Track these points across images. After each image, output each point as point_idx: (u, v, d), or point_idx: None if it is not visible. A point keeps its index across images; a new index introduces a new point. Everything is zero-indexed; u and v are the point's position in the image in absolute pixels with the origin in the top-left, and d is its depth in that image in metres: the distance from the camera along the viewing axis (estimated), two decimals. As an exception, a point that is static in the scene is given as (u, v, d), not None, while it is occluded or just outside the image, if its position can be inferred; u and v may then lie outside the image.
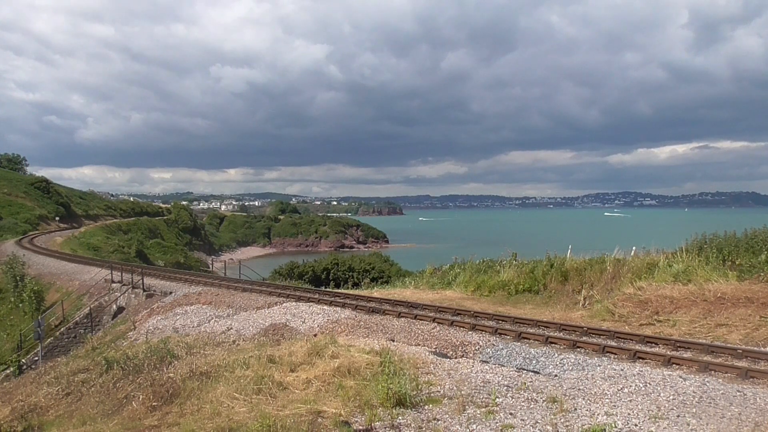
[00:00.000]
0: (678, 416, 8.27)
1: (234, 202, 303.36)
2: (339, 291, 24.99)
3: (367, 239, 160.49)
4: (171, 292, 25.08)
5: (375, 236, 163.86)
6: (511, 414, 8.61)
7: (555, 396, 9.34)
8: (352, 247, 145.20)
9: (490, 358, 12.81)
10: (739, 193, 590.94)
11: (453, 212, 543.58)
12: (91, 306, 27.50)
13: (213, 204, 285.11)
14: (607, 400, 9.10)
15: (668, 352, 11.78)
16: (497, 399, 9.27)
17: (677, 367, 11.11)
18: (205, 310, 20.92)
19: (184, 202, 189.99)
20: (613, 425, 7.87)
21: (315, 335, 15.05)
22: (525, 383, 10.21)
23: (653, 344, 12.59)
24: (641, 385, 9.72)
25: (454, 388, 9.89)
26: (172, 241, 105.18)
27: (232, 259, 73.22)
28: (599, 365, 11.34)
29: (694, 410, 8.51)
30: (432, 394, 9.65)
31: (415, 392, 9.42)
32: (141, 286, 27.04)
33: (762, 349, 11.77)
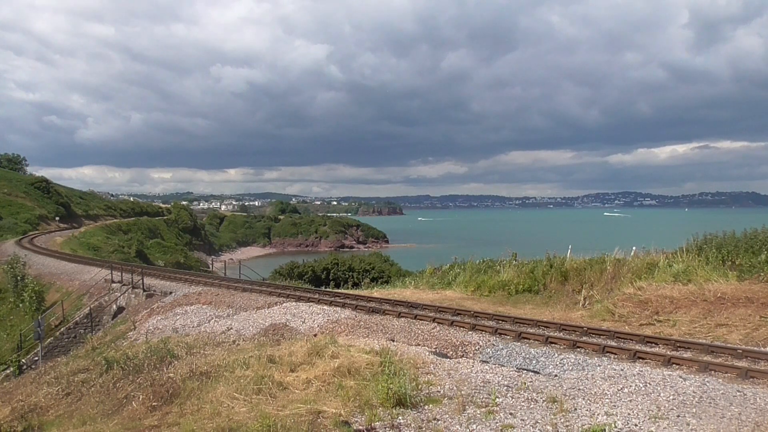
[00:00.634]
0: (678, 416, 8.27)
1: (234, 202, 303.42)
2: (339, 291, 24.99)
3: (367, 239, 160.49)
4: (171, 292, 25.08)
5: (375, 236, 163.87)
6: (511, 414, 8.61)
7: (555, 396, 9.34)
8: (352, 247, 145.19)
9: (490, 358, 12.81)
10: (739, 193, 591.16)
11: (453, 212, 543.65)
12: (91, 306, 27.50)
13: (213, 204, 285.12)
14: (607, 400, 9.10)
15: (668, 352, 11.79)
16: (497, 399, 9.27)
17: (677, 367, 11.11)
18: (205, 310, 20.92)
19: (184, 202, 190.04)
20: (613, 425, 7.87)
21: (315, 335, 15.05)
22: (525, 383, 10.21)
23: (653, 344, 12.59)
24: (641, 385, 9.72)
25: (454, 388, 9.89)
26: (172, 241, 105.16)
27: (232, 259, 73.22)
28: (599, 365, 11.34)
29: (694, 410, 8.51)
30: (432, 394, 9.65)
31: (415, 392, 9.42)
32: (141, 286, 27.04)
33: (762, 349, 11.78)
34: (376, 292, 23.57)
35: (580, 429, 7.91)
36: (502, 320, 15.59)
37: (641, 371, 10.62)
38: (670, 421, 8.07)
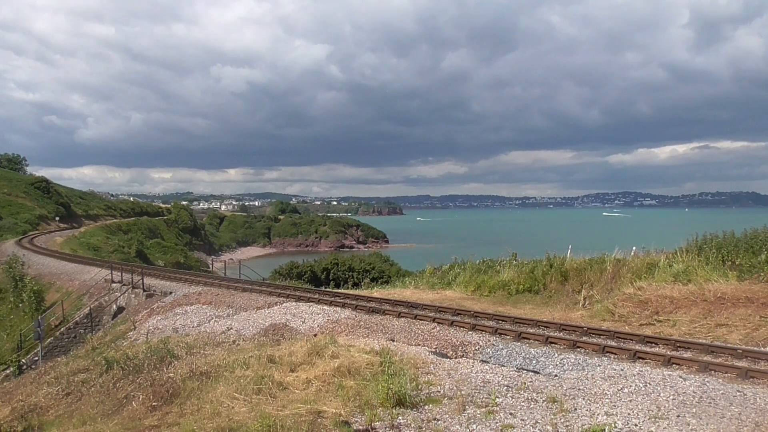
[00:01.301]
0: (678, 416, 8.27)
1: (234, 202, 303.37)
2: (339, 291, 24.99)
3: (367, 239, 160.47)
4: (171, 292, 25.08)
5: (375, 236, 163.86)
6: (511, 414, 8.61)
7: (555, 396, 9.34)
8: (352, 247, 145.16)
9: (490, 358, 12.81)
10: (739, 193, 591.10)
11: (453, 212, 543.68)
12: (91, 306, 27.50)
13: (213, 204, 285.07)
14: (607, 400, 9.10)
15: (668, 352, 11.78)
16: (497, 399, 9.27)
17: (677, 367, 11.11)
18: (205, 310, 20.92)
19: (184, 202, 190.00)
20: (613, 425, 7.87)
21: (315, 335, 15.05)
22: (525, 383, 10.21)
23: (653, 344, 12.59)
24: (641, 385, 9.72)
25: (454, 388, 9.89)
26: (172, 241, 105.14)
27: (232, 259, 73.22)
28: (599, 365, 11.34)
29: (694, 410, 8.50)
30: (432, 394, 9.65)
31: (415, 392, 9.42)
32: (141, 286, 27.03)
33: (762, 349, 11.78)
34: (376, 292, 23.57)
35: (580, 429, 7.91)
36: (502, 320, 15.59)
37: (641, 371, 10.62)
38: (670, 421, 8.07)
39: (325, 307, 18.85)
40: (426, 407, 9.04)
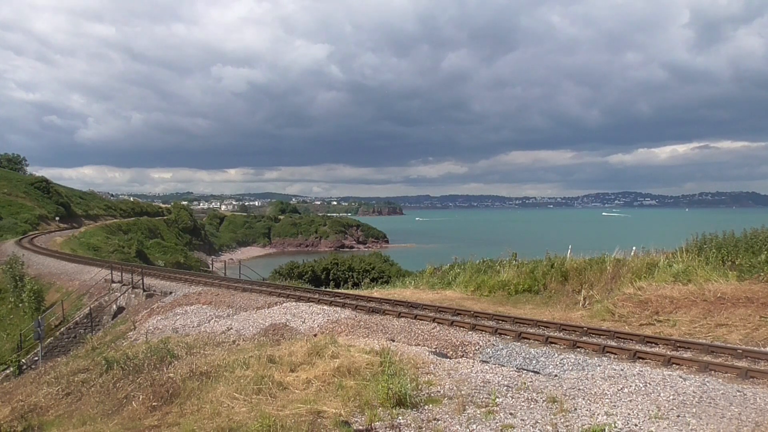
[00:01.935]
0: (678, 416, 8.27)
1: (234, 202, 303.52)
2: (339, 291, 24.99)
3: (367, 239, 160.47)
4: (171, 292, 25.08)
5: (375, 236, 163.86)
6: (511, 414, 8.61)
7: (555, 396, 9.34)
8: (352, 247, 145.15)
9: (490, 358, 12.81)
10: (739, 193, 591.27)
11: (453, 212, 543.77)
12: (91, 306, 27.50)
13: (213, 204, 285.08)
14: (607, 400, 9.10)
15: (668, 352, 11.79)
16: (497, 399, 9.27)
17: (677, 367, 11.11)
18: (205, 310, 20.92)
19: (184, 202, 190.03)
20: (613, 425, 7.87)
21: (315, 335, 15.05)
22: (525, 383, 10.21)
23: (653, 344, 12.59)
24: (641, 385, 9.72)
25: (454, 388, 9.89)
26: (172, 241, 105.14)
27: (232, 259, 73.19)
28: (599, 365, 11.34)
29: (694, 410, 8.51)
30: (432, 394, 9.65)
31: (415, 392, 9.42)
32: (141, 286, 27.03)
33: (762, 349, 11.78)
34: (376, 292, 23.57)
35: (580, 429, 7.91)
36: (502, 320, 15.59)
37: (641, 371, 10.62)
38: (670, 421, 8.07)
39: (325, 307, 18.85)
40: (426, 407, 9.03)
